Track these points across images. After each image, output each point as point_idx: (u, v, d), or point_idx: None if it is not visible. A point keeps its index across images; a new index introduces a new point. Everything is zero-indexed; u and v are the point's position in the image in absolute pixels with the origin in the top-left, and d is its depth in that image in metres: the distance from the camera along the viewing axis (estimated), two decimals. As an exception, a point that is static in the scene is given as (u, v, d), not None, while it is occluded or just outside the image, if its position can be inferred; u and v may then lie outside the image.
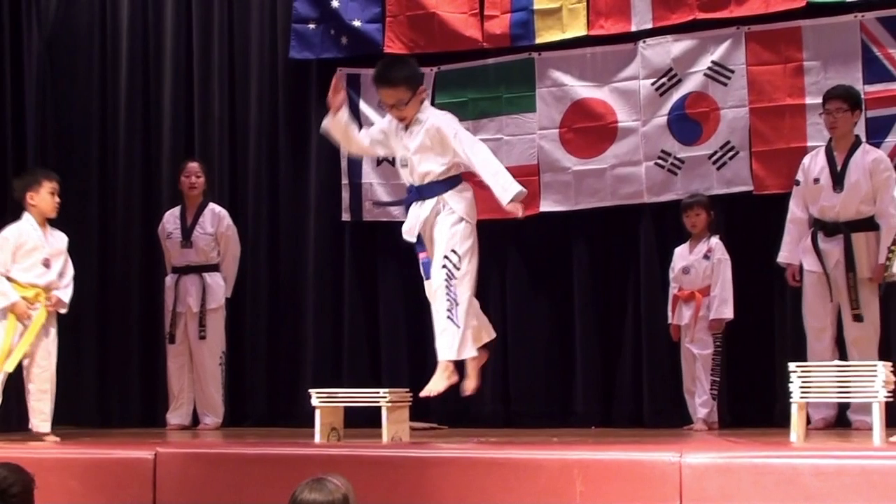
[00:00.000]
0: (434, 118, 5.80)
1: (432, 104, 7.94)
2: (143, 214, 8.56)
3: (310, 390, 5.84)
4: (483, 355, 5.90)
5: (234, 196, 8.52)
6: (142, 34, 8.74)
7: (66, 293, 6.63)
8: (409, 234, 5.84)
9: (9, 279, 6.45)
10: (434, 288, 5.69)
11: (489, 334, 5.98)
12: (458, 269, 5.62)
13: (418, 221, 5.76)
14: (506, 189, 5.54)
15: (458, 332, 5.61)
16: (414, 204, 5.83)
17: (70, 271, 6.71)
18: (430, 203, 5.74)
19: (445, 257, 5.63)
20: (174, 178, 8.18)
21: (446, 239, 5.66)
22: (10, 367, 6.41)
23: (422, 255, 5.80)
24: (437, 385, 5.67)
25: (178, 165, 8.20)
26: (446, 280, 5.60)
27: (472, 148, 5.68)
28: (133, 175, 8.65)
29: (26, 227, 6.56)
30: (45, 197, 6.60)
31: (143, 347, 8.43)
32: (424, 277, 5.83)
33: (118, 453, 5.46)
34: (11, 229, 6.56)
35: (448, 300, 5.60)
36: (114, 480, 5.27)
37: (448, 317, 5.60)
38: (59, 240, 6.69)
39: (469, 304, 5.68)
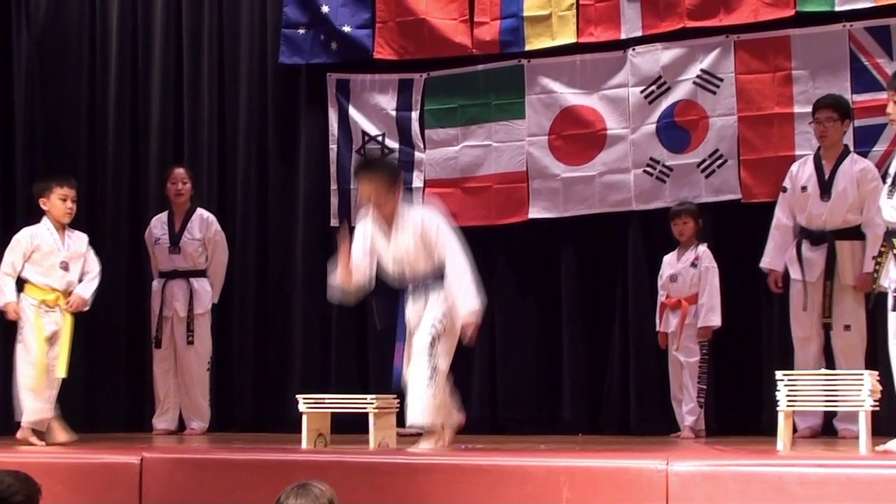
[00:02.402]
0: (417, 214, 5.85)
1: (421, 110, 8.06)
2: (131, 217, 8.53)
3: (297, 396, 5.84)
4: (460, 421, 5.99)
5: (222, 200, 8.50)
6: (131, 37, 8.73)
7: (85, 288, 6.61)
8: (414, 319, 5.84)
9: (25, 281, 6.44)
10: (416, 350, 5.69)
11: (459, 416, 6.00)
12: (440, 336, 5.65)
13: (422, 314, 5.77)
14: (467, 299, 5.59)
15: (433, 401, 5.61)
16: (412, 300, 5.83)
17: (94, 269, 6.69)
18: (434, 296, 5.74)
19: (435, 318, 5.66)
20: (162, 182, 8.15)
21: (440, 306, 5.69)
22: (61, 372, 6.43)
23: (398, 355, 5.86)
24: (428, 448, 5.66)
25: (166, 169, 8.17)
26: (430, 344, 5.62)
27: (449, 248, 5.69)
28: (121, 178, 8.62)
29: (42, 231, 6.55)
30: (55, 203, 6.58)
31: (129, 352, 8.40)
32: (394, 376, 5.87)
33: (104, 458, 5.45)
34: (25, 232, 6.57)
35: (430, 365, 5.61)
36: (100, 485, 5.26)
37: (428, 383, 5.60)
38: (78, 242, 6.67)
39: (444, 376, 5.70)
